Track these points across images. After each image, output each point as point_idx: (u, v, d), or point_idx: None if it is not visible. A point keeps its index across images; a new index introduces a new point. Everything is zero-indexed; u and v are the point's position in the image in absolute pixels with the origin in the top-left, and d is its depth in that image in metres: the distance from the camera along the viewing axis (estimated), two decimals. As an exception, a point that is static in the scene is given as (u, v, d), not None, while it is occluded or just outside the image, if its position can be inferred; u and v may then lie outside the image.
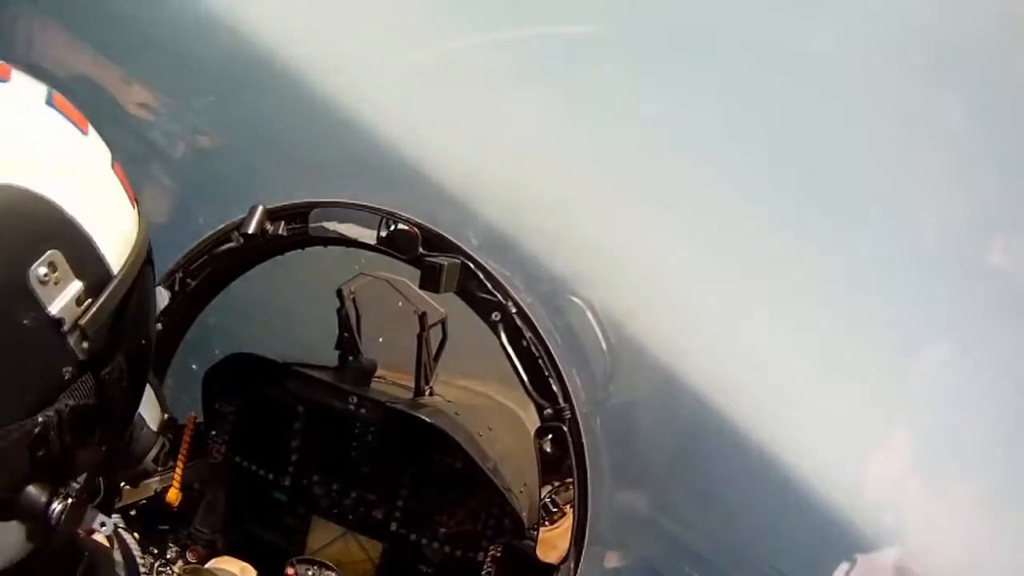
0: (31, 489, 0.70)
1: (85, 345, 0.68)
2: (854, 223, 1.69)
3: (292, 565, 1.89)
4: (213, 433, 2.22)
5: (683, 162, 1.74)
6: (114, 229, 0.72)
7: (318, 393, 2.13)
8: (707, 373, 1.75)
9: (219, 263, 2.12)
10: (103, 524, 0.87)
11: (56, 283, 0.65)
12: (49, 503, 0.70)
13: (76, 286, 0.67)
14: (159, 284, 2.14)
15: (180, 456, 2.08)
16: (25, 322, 0.64)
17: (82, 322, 0.67)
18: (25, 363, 0.65)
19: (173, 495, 2.06)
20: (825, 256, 1.69)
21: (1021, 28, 1.56)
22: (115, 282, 0.71)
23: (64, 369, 0.68)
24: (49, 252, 0.65)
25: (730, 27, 1.71)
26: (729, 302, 1.75)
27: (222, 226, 2.09)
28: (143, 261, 0.76)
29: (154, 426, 1.56)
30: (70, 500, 0.72)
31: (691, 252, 1.76)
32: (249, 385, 2.19)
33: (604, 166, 1.79)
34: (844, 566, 1.62)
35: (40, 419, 0.66)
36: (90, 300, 0.68)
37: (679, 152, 1.74)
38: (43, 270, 0.64)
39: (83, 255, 0.68)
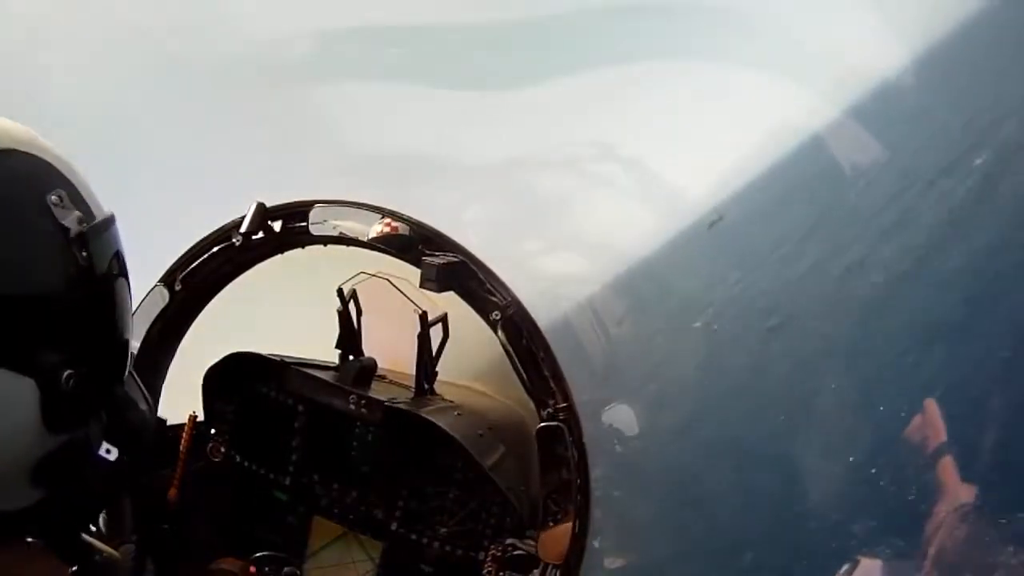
0: (48, 349, 0.95)
1: (84, 254, 0.99)
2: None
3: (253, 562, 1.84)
4: (213, 432, 2.22)
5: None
6: (92, 196, 1.08)
7: (318, 392, 2.12)
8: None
9: (219, 262, 2.12)
10: (109, 451, 1.05)
11: (63, 208, 0.99)
12: (62, 367, 0.96)
13: (75, 214, 1.00)
14: (159, 282, 2.16)
15: (180, 455, 2.08)
16: (45, 228, 0.97)
17: (82, 230, 1.00)
18: (43, 254, 0.97)
19: (173, 495, 2.05)
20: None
21: None
22: (97, 220, 1.05)
23: (69, 267, 0.98)
24: (58, 189, 1.00)
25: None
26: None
27: (221, 225, 2.09)
28: (114, 244, 1.09)
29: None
30: (77, 375, 0.97)
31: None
32: (249, 384, 2.19)
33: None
34: (845, 566, 1.61)
35: (52, 292, 0.96)
36: (84, 224, 1.01)
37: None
38: (55, 198, 0.99)
39: (77, 200, 1.03)
